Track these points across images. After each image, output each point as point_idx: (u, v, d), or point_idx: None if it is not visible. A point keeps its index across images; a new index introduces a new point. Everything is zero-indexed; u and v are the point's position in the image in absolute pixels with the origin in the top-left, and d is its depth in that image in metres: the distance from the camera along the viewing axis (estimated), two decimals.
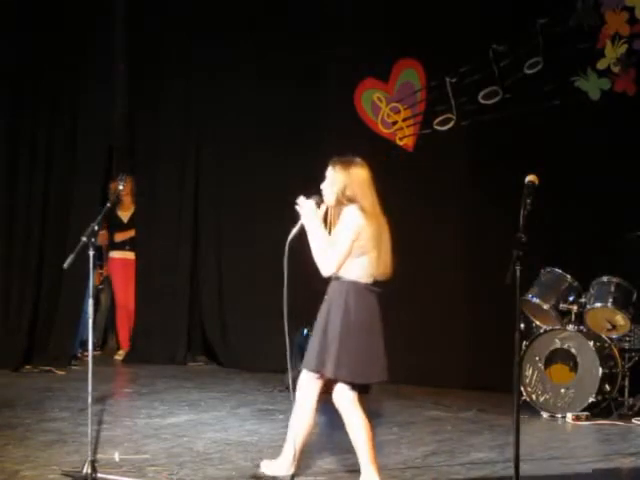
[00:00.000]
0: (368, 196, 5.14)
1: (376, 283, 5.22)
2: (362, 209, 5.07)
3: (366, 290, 5.15)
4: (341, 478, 5.52)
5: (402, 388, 8.95)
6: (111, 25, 10.19)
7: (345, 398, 5.15)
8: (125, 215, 10.75)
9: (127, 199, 10.66)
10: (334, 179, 5.16)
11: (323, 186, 5.22)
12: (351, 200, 5.09)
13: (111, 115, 10.50)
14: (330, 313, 5.12)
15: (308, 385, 5.20)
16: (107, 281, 11.04)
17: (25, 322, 9.36)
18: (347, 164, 5.17)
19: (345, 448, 6.24)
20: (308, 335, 5.93)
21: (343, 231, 5.06)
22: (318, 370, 5.13)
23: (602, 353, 7.81)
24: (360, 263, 5.11)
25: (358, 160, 5.22)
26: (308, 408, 5.21)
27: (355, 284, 5.11)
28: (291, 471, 5.23)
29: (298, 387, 5.23)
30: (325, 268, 5.08)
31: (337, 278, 5.14)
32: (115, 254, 10.82)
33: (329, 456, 5.99)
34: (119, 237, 10.74)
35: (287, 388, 8.34)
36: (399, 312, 9.35)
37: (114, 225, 10.69)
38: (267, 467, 5.30)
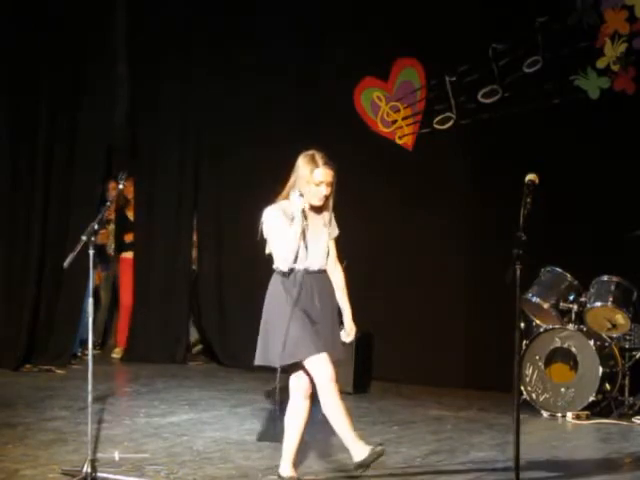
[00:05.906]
0: None
1: None
2: None
3: None
4: (341, 478, 5.51)
5: (402, 387, 8.97)
6: (111, 25, 10.18)
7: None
8: (133, 216, 10.71)
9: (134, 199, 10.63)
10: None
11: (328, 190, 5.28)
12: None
13: (111, 115, 10.49)
14: (326, 300, 5.21)
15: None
16: (108, 280, 11.00)
17: (25, 322, 9.35)
18: None
19: (345, 448, 6.26)
20: None
21: None
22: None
23: (602, 352, 7.81)
24: None
25: None
26: None
27: None
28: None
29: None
30: None
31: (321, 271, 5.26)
32: (126, 255, 10.69)
33: (329, 456, 5.98)
34: (129, 238, 10.68)
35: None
36: (399, 312, 9.38)
37: (123, 226, 10.66)
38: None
